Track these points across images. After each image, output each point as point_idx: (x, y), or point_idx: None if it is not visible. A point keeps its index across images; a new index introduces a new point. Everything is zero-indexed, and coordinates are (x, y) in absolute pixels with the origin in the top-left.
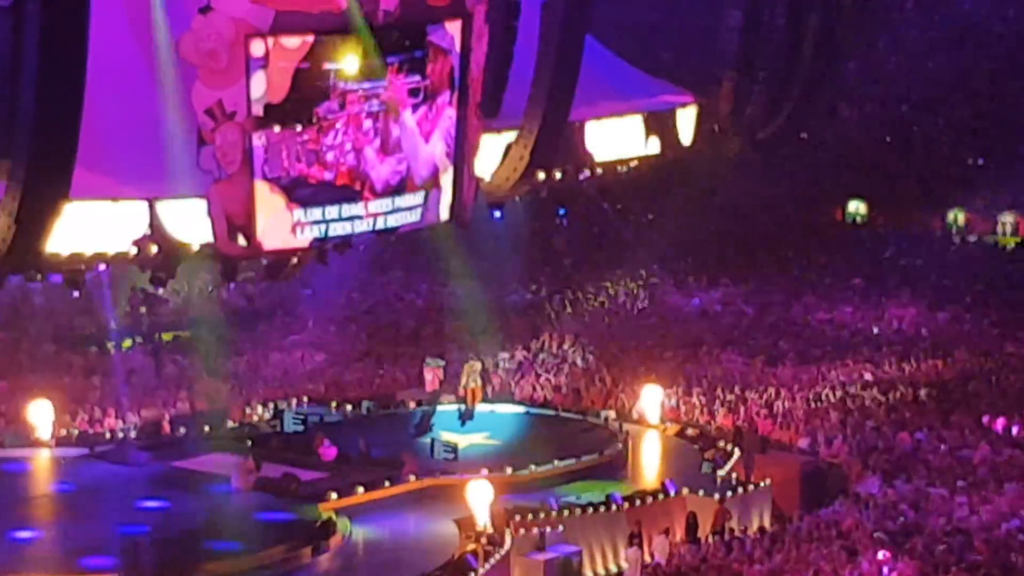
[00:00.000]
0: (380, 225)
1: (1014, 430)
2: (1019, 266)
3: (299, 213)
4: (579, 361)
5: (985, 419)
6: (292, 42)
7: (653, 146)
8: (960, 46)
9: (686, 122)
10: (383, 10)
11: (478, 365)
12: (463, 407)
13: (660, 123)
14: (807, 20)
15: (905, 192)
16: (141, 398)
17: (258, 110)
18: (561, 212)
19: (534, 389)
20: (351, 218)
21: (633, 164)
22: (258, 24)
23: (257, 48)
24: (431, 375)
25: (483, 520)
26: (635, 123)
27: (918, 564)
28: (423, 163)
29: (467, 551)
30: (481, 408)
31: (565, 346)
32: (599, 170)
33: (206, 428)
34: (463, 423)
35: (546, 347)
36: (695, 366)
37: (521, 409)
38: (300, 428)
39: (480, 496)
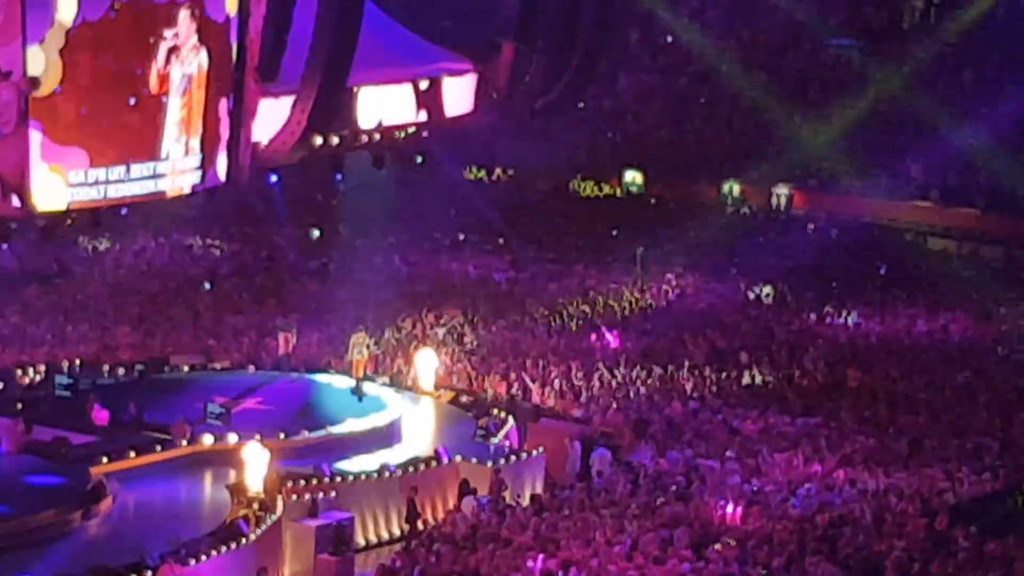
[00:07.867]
0: (160, 187)
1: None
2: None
3: (76, 175)
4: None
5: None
6: None
7: (424, 114)
8: (738, 19)
9: (463, 90)
10: None
11: (365, 336)
12: (354, 382)
13: (429, 91)
14: None
15: (681, 163)
16: None
17: None
18: (338, 178)
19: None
20: (130, 180)
21: (410, 131)
22: None
23: None
24: (282, 338)
25: (256, 486)
26: (407, 90)
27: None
28: None
29: (239, 517)
30: (257, 374)
31: (340, 311)
32: (377, 136)
33: None
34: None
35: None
36: (469, 333)
37: (296, 375)
38: (71, 391)
39: (255, 460)
